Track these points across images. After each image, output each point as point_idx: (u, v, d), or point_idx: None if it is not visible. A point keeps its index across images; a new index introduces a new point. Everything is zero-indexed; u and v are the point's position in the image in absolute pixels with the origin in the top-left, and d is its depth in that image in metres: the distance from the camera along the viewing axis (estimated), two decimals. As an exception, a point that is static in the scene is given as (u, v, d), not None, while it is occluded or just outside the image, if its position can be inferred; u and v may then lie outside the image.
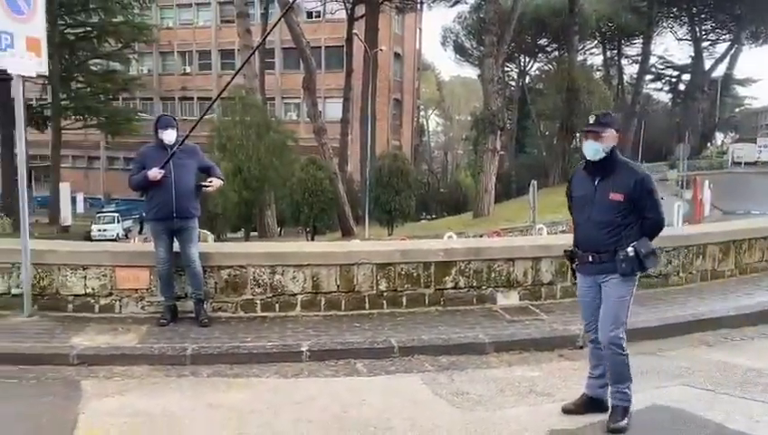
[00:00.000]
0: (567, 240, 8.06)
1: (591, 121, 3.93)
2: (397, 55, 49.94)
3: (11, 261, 5.91)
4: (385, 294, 6.32)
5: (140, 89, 44.98)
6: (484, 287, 6.49)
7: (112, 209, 41.48)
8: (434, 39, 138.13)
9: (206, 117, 28.54)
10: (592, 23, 49.38)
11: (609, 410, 3.87)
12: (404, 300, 6.36)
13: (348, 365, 5.10)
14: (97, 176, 52.67)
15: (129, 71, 45.82)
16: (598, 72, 57.18)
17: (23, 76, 5.86)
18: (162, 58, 50.77)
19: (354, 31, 35.80)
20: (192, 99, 49.23)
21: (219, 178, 6.07)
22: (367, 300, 6.28)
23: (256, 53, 28.49)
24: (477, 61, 49.63)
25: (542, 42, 55.02)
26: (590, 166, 3.94)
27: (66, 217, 37.68)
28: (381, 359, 5.22)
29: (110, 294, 6.02)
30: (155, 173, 5.66)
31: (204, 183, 5.92)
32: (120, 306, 6.04)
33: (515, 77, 60.71)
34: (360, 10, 37.36)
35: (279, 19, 25.98)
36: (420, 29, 55.28)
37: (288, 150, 28.01)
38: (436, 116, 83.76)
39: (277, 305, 6.15)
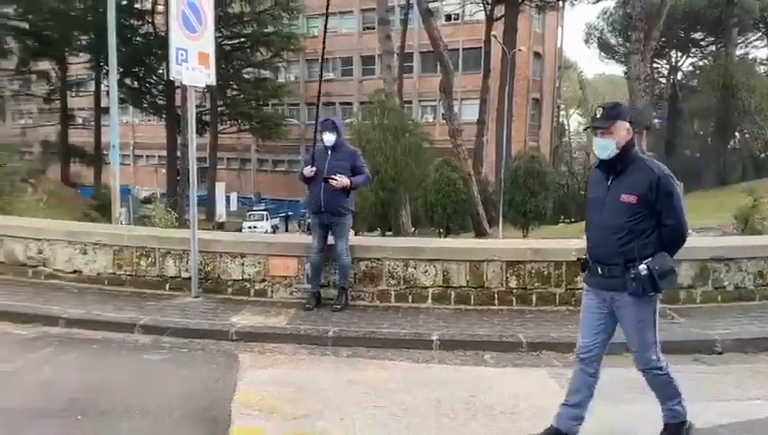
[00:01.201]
0: (708, 244, 7.74)
1: (598, 115, 3.49)
2: (537, 54, 48.89)
3: (182, 248, 6.78)
4: (514, 291, 6.46)
5: (288, 95, 47.79)
6: (617, 289, 6.41)
7: (262, 208, 44.44)
8: (577, 37, 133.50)
9: (347, 120, 29.62)
10: (755, 13, 45.19)
11: (663, 428, 3.62)
12: (533, 298, 6.46)
13: (476, 356, 5.33)
14: (248, 176, 56.58)
15: (278, 78, 48.84)
16: (762, 67, 52.19)
17: (194, 87, 6.69)
18: (308, 65, 53.50)
19: (493, 33, 35.62)
20: (334, 104, 51.46)
21: (357, 180, 6.33)
22: (496, 296, 6.46)
23: (395, 57, 29.33)
24: (623, 58, 47.29)
25: (697, 36, 51.12)
26: (603, 165, 3.51)
27: (221, 214, 41.05)
28: (509, 352, 5.39)
29: (264, 280, 6.71)
30: (307, 171, 6.26)
31: (331, 177, 6.21)
32: (272, 292, 6.70)
33: (665, 74, 57.04)
34: (500, 11, 37.08)
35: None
36: (562, 27, 53.64)
37: (423, 152, 28.55)
38: (578, 115, 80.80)
39: (410, 297, 6.51)
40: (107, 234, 7.14)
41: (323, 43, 7.05)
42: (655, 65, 51.60)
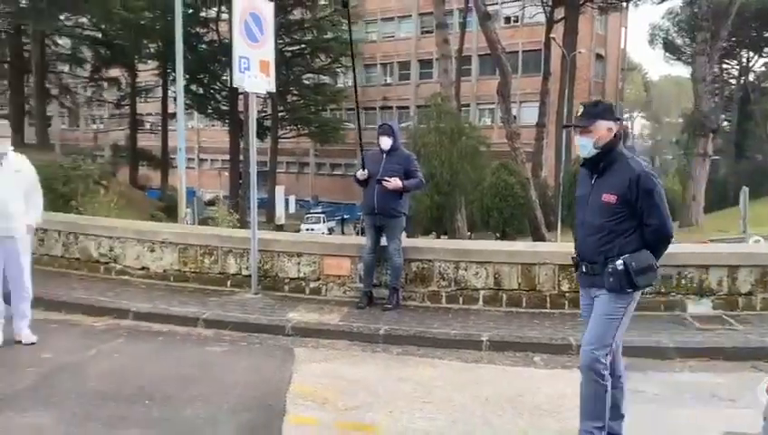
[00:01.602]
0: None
1: (579, 114, 3.46)
2: (598, 56, 47.88)
3: (243, 247, 7.08)
4: (567, 294, 6.45)
5: (346, 100, 48.43)
6: (672, 294, 6.33)
7: (319, 211, 45.17)
8: (641, 37, 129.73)
9: (402, 124, 29.72)
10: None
11: None
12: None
13: (525, 357, 5.38)
14: (306, 180, 57.60)
15: (336, 84, 49.55)
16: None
17: (255, 94, 6.99)
18: (366, 70, 54.02)
19: (552, 35, 35.14)
20: (391, 108, 51.79)
21: (409, 183, 6.42)
22: (548, 299, 6.48)
23: (453, 60, 29.33)
24: (690, 59, 45.74)
25: (770, 34, 48.99)
26: (587, 163, 3.48)
27: (280, 216, 41.91)
28: (558, 354, 5.42)
29: (318, 279, 6.94)
30: (359, 174, 6.46)
31: (384, 178, 6.34)
32: (326, 290, 6.92)
33: (736, 75, 54.79)
34: (560, 13, 36.56)
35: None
36: (625, 28, 52.38)
37: (480, 155, 28.44)
38: (642, 118, 78.51)
39: (461, 298, 6.60)
40: (173, 233, 7.54)
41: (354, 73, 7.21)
42: (725, 66, 49.72)
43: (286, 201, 46.45)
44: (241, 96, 36.92)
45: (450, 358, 5.37)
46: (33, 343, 5.32)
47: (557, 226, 29.61)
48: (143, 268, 7.45)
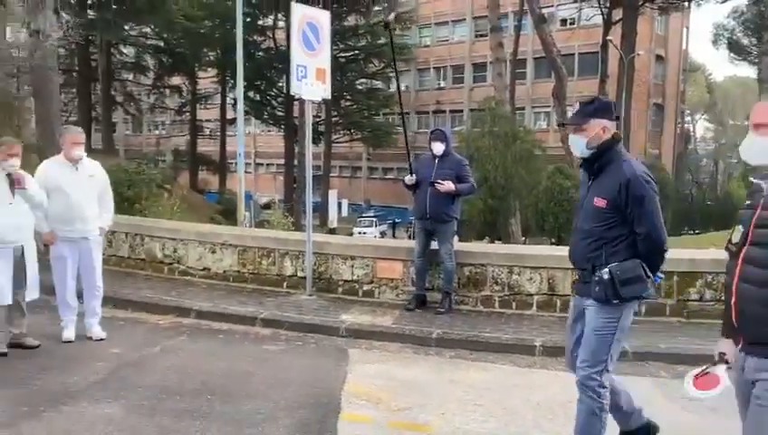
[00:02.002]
0: None
1: (575, 111, 3.29)
2: (658, 57, 46.62)
3: (298, 250, 7.28)
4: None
5: (399, 105, 48.58)
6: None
7: (371, 215, 45.47)
8: (704, 38, 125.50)
9: (455, 128, 29.69)
10: None
11: None
12: (642, 308, 6.34)
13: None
14: (359, 184, 58.06)
15: (389, 88, 49.85)
16: None
17: (311, 100, 7.18)
18: (419, 75, 54.14)
19: (609, 37, 34.40)
20: (444, 112, 51.68)
21: (462, 187, 6.48)
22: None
23: (507, 63, 29.14)
24: (757, 59, 44.00)
25: None
26: (583, 165, 3.29)
27: (333, 219, 42.39)
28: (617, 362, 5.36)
29: (371, 281, 7.07)
30: (408, 179, 6.55)
31: (437, 181, 6.38)
32: (379, 293, 7.05)
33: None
34: (618, 14, 35.76)
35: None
36: (687, 28, 50.81)
37: (535, 159, 28.11)
38: (705, 121, 75.82)
39: (514, 303, 6.61)
40: (233, 235, 7.82)
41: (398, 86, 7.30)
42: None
43: (339, 205, 46.95)
44: (296, 102, 37.65)
45: (503, 362, 5.39)
46: (102, 339, 5.62)
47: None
48: (204, 269, 7.75)
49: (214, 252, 7.70)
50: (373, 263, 7.04)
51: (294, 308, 6.64)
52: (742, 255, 2.41)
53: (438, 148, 6.51)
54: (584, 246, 3.22)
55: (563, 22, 45.59)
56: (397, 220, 44.52)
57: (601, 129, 3.18)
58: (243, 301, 6.88)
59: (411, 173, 6.60)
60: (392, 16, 38.25)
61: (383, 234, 40.41)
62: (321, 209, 42.19)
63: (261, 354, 5.46)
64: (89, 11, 29.23)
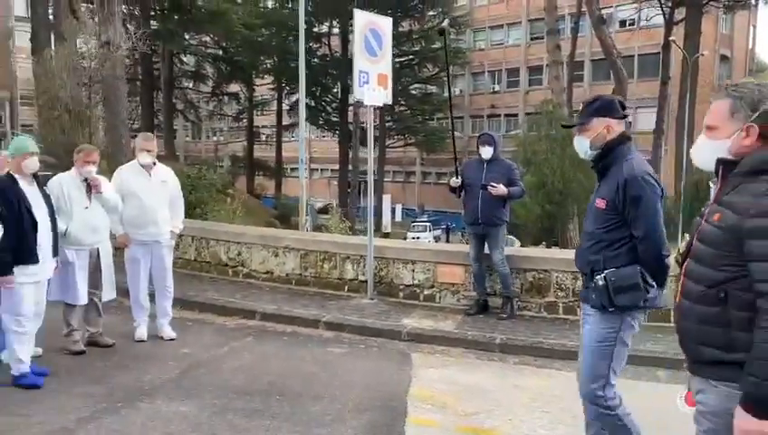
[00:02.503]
0: None
1: (580, 110, 3.13)
2: (723, 58, 44.96)
3: (359, 254, 7.35)
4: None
5: (454, 109, 48.45)
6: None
7: (425, 219, 45.41)
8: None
9: (511, 132, 29.33)
10: None
11: None
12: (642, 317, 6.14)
13: (648, 372, 5.24)
14: (413, 189, 58.08)
15: (443, 93, 49.72)
16: None
17: (373, 106, 7.25)
18: (473, 79, 53.81)
19: (672, 37, 33.41)
20: (499, 116, 51.21)
21: (514, 190, 6.44)
22: (670, 313, 6.21)
23: (565, 66, 28.66)
24: (830, 56, 41.87)
25: None
26: (593, 166, 3.15)
27: (387, 224, 42.57)
28: (683, 370, 5.19)
29: (432, 286, 7.07)
30: (453, 182, 6.56)
31: (490, 184, 6.35)
32: (440, 297, 7.04)
33: None
34: (680, 13, 34.71)
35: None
36: (754, 26, 48.82)
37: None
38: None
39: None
40: (295, 239, 7.96)
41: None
42: None
43: (393, 210, 47.11)
44: (350, 107, 38.01)
45: (569, 369, 5.26)
46: (173, 339, 5.81)
47: (677, 237, 28.06)
48: (267, 272, 7.90)
49: (276, 255, 7.85)
50: (434, 267, 7.04)
51: (356, 312, 6.70)
52: (683, 269, 2.23)
53: (487, 152, 6.46)
54: (585, 248, 3.10)
55: (623, 23, 44.51)
56: (451, 225, 44.34)
57: (605, 128, 3.03)
58: (305, 304, 6.98)
59: (457, 176, 6.57)
60: (446, 22, 38.24)
61: (437, 239, 40.29)
62: (375, 214, 42.31)
63: (325, 357, 5.53)
64: (152, 22, 30.29)
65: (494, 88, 53.01)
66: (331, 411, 4.23)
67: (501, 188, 6.34)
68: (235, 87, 42.96)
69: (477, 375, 5.15)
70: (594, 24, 25.68)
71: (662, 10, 36.25)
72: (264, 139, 48.55)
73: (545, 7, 26.72)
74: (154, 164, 5.72)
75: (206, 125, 58.21)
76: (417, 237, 39.10)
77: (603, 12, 28.42)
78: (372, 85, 6.93)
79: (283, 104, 43.94)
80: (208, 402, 4.34)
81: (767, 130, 2.07)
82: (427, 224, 42.67)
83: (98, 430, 3.87)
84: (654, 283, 2.93)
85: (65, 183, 5.20)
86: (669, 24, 35.12)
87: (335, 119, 43.69)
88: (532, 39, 49.63)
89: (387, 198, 43.29)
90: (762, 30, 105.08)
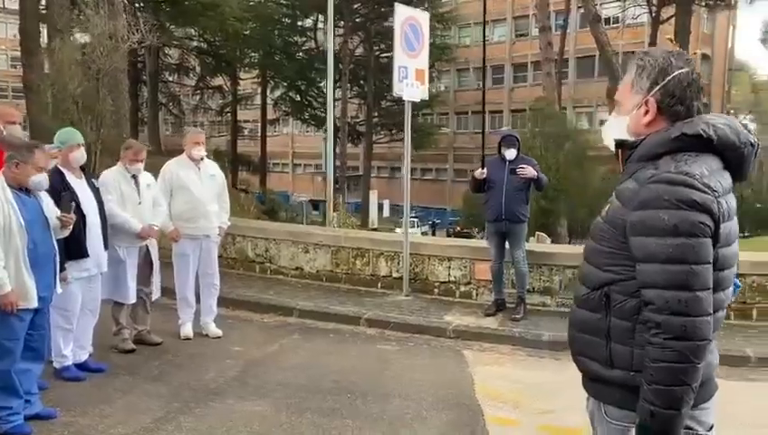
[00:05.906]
0: None
1: None
2: (705, 56, 45.68)
3: (393, 250, 7.30)
4: (732, 305, 6.23)
5: (439, 105, 48.50)
6: None
7: (413, 215, 45.48)
8: (751, 36, 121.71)
9: (504, 129, 29.35)
10: None
11: None
12: (754, 313, 6.22)
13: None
14: (398, 184, 58.09)
15: (432, 89, 49.72)
16: None
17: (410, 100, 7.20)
18: (458, 75, 53.95)
19: (668, 36, 33.76)
20: (484, 113, 51.36)
21: (542, 177, 6.49)
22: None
23: (554, 64, 28.86)
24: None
25: None
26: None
27: (373, 220, 42.49)
28: (737, 367, 5.26)
29: (469, 283, 7.05)
30: (478, 172, 6.42)
31: (520, 166, 6.27)
32: (477, 294, 7.02)
33: None
34: (666, 12, 35.13)
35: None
36: (734, 26, 49.72)
37: (588, 160, 27.79)
38: (750, 122, 74.11)
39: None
40: (326, 235, 7.88)
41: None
42: None
43: (380, 205, 47.04)
44: (336, 103, 37.75)
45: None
46: (219, 337, 5.71)
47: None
48: (297, 268, 7.81)
49: (307, 252, 7.76)
50: (471, 264, 7.02)
51: (395, 308, 6.65)
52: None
53: (512, 153, 6.39)
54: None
55: (606, 21, 44.98)
56: (437, 221, 44.47)
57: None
58: (342, 301, 6.92)
59: (483, 167, 6.49)
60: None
61: (425, 235, 40.37)
62: (362, 210, 42.32)
63: (379, 354, 5.49)
64: (144, 14, 29.79)
65: (479, 84, 53.15)
66: (409, 410, 4.19)
67: (530, 170, 6.28)
68: (219, 80, 42.43)
69: (536, 372, 5.16)
70: (591, 21, 25.89)
71: (649, 8, 36.69)
72: (246, 133, 48.07)
73: (537, 4, 26.89)
74: (202, 159, 5.60)
75: (188, 119, 57.47)
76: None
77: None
78: (411, 80, 6.88)
79: (268, 98, 43.50)
80: (282, 401, 4.27)
81: (669, 106, 1.76)
82: (415, 220, 42.70)
83: (179, 431, 3.78)
84: None
85: (118, 179, 5.06)
86: (656, 22, 35.56)
87: (321, 114, 43.41)
88: (516, 36, 49.94)
89: (373, 194, 43.18)
90: (742, 30, 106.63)
